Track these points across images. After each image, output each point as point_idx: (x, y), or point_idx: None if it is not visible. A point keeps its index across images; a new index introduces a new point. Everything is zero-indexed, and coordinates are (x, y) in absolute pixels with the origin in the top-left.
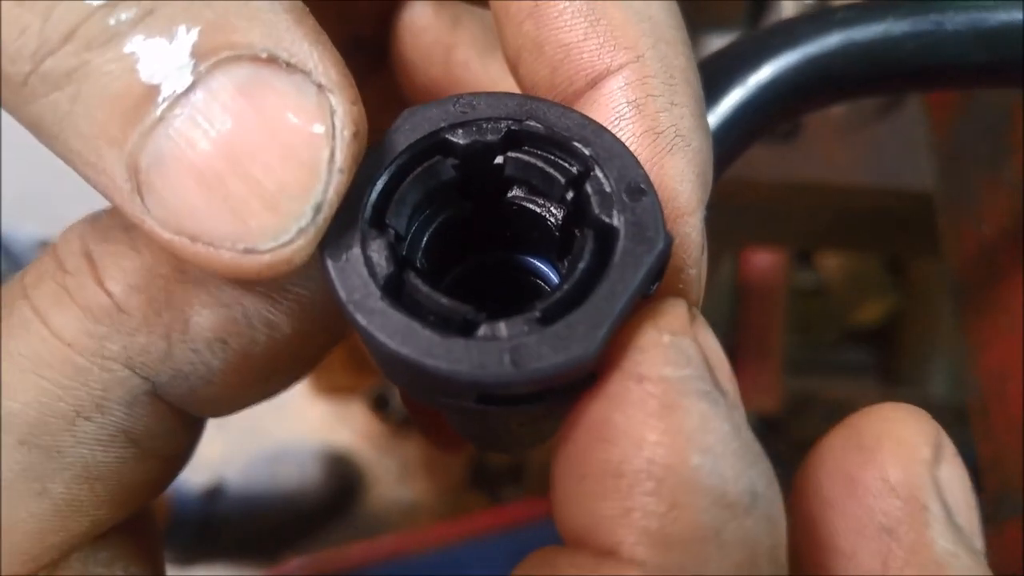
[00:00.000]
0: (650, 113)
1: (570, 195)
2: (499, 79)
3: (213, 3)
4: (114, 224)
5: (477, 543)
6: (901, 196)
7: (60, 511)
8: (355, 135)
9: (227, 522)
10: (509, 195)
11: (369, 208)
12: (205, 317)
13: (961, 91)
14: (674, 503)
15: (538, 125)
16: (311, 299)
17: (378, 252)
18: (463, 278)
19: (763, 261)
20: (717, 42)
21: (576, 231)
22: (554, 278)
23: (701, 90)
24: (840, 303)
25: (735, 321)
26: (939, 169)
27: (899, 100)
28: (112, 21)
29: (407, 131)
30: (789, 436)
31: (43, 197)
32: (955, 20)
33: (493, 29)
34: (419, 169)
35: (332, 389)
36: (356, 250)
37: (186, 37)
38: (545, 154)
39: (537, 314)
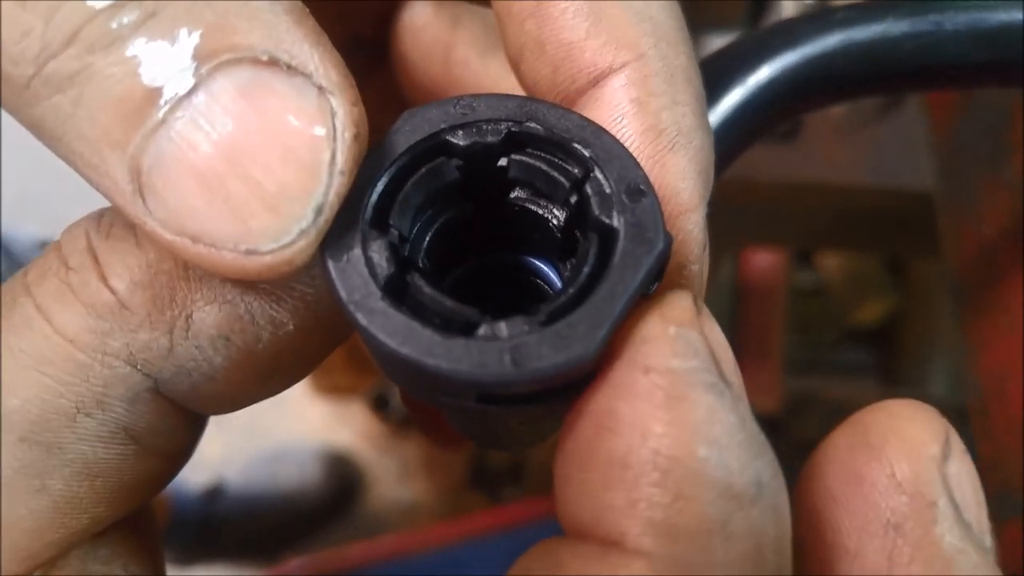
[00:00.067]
0: (652, 111)
1: (574, 198)
2: (499, 78)
3: (214, 4)
4: (118, 221)
5: (477, 543)
6: (901, 196)
7: (59, 508)
8: (356, 137)
9: (227, 522)
10: (511, 196)
11: (370, 209)
12: (208, 314)
13: (961, 91)
14: (680, 494)
15: (538, 127)
16: (315, 297)
17: (379, 252)
18: (464, 279)
19: (763, 261)
20: (717, 42)
21: (578, 233)
22: (555, 279)
23: (702, 88)
24: (840, 303)
25: (735, 321)
26: (939, 169)
27: (899, 100)
28: (115, 24)
29: (407, 132)
30: (789, 436)
31: (43, 197)
32: (955, 20)
33: (493, 28)
34: (423, 170)
35: (332, 389)
36: (357, 250)
37: (188, 40)
38: (548, 156)
39: (541, 318)
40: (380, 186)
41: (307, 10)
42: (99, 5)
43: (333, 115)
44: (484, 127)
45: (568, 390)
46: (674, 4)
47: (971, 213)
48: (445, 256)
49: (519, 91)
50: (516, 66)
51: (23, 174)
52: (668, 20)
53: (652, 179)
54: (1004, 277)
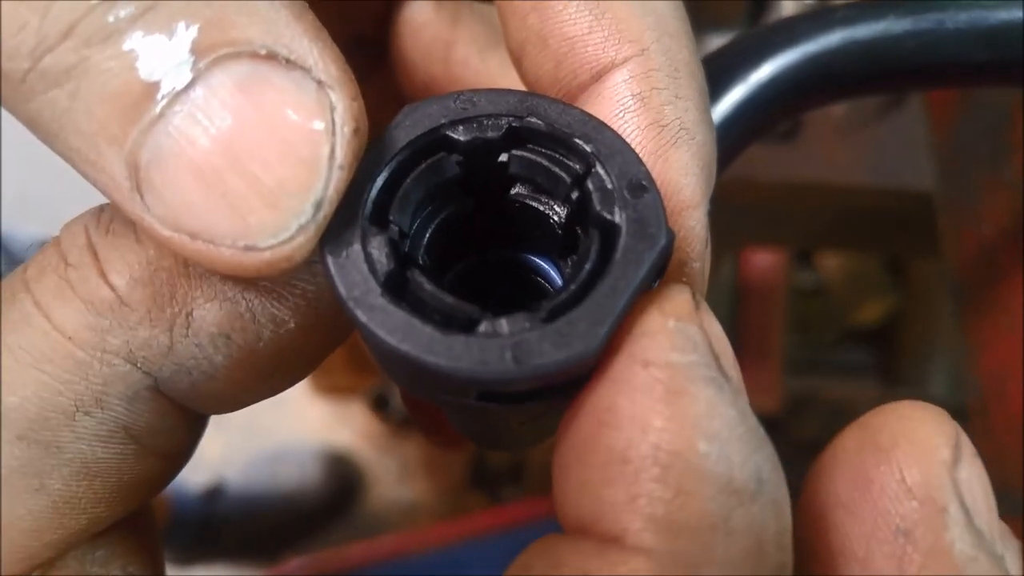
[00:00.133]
0: (655, 106)
1: (575, 194)
2: (499, 75)
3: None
4: (118, 217)
5: (477, 543)
6: (901, 196)
7: (58, 508)
8: (355, 131)
9: (227, 522)
10: (512, 192)
11: (369, 204)
12: (209, 311)
13: (961, 90)
14: (681, 489)
15: (539, 122)
16: (316, 294)
17: (378, 249)
18: (464, 276)
19: (763, 261)
20: (717, 42)
21: (579, 229)
22: (556, 276)
23: (705, 84)
24: (840, 303)
25: (735, 321)
26: (939, 169)
27: (900, 100)
28: (111, 18)
29: (407, 127)
30: (789, 436)
31: (43, 197)
32: (955, 19)
33: (493, 26)
34: (423, 165)
35: (332, 389)
36: (356, 247)
37: (185, 34)
38: (549, 152)
39: (543, 315)
40: (380, 181)
41: (306, 6)
42: None
43: (332, 109)
44: (484, 122)
45: (569, 388)
46: None
47: (971, 213)
48: (445, 252)
49: (520, 87)
50: (518, 61)
51: (23, 174)
52: (671, 14)
53: (654, 175)
54: (1004, 277)
